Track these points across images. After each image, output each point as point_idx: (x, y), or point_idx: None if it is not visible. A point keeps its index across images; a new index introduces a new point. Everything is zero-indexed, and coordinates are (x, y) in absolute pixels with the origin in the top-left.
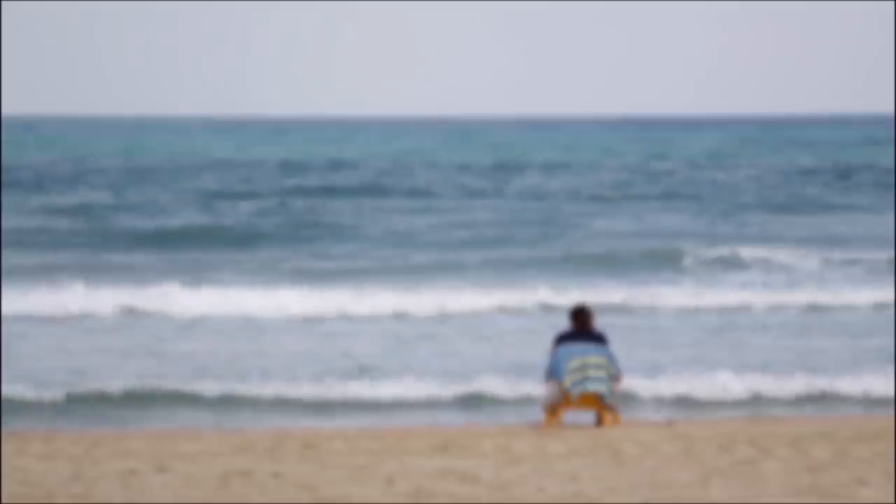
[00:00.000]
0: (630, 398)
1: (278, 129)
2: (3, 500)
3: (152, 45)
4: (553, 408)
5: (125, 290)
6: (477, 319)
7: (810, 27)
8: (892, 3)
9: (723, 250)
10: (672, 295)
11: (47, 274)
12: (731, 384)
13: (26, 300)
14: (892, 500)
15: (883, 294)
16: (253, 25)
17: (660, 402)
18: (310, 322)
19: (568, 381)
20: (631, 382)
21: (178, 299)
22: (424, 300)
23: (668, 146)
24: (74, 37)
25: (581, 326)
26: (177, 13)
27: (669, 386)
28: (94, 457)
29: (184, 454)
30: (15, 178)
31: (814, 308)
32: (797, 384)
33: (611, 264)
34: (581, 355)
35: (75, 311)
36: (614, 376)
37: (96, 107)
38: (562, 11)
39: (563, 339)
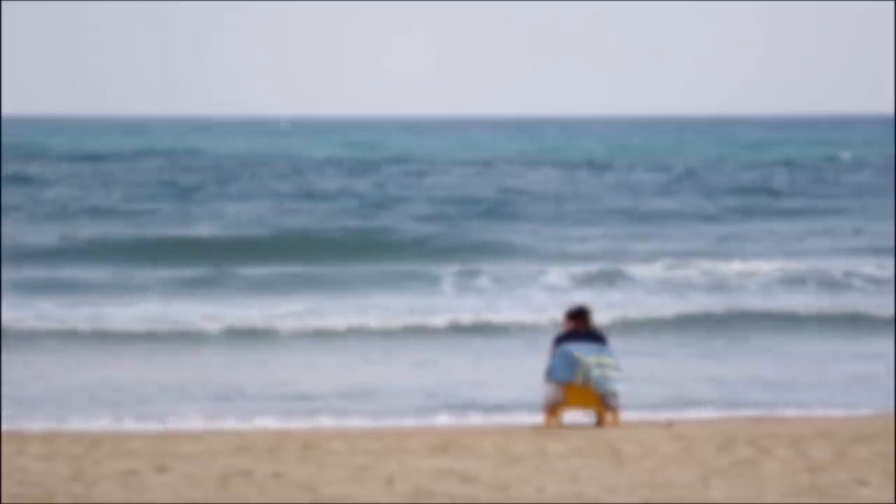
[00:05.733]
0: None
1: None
2: (3, 500)
3: (152, 45)
4: (553, 408)
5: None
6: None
7: (809, 28)
8: (892, 2)
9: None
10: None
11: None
12: None
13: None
14: (893, 501)
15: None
16: (255, 25)
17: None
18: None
19: (585, 378)
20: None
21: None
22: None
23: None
24: (74, 37)
25: (582, 326)
26: (177, 13)
27: None
28: (94, 457)
29: (184, 454)
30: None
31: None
32: None
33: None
34: (591, 354)
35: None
36: (621, 375)
37: (96, 107)
38: (562, 11)
39: (563, 339)
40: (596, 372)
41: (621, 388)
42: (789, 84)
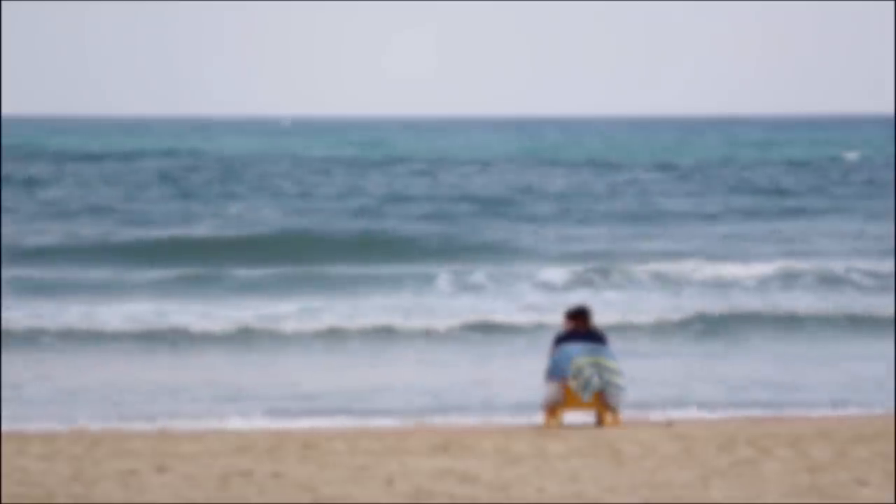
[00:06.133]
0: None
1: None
2: (3, 500)
3: (152, 45)
4: (553, 408)
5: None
6: None
7: (809, 28)
8: (893, 2)
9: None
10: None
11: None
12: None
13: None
14: (893, 501)
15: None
16: (253, 26)
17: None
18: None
19: (574, 380)
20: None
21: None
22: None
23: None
24: (74, 37)
25: (581, 326)
26: (177, 13)
27: None
28: (94, 457)
29: (184, 454)
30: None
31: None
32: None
33: None
34: (584, 355)
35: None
36: (620, 375)
37: (96, 107)
38: (563, 11)
39: (563, 339)
40: (587, 372)
41: (613, 390)
42: (789, 84)
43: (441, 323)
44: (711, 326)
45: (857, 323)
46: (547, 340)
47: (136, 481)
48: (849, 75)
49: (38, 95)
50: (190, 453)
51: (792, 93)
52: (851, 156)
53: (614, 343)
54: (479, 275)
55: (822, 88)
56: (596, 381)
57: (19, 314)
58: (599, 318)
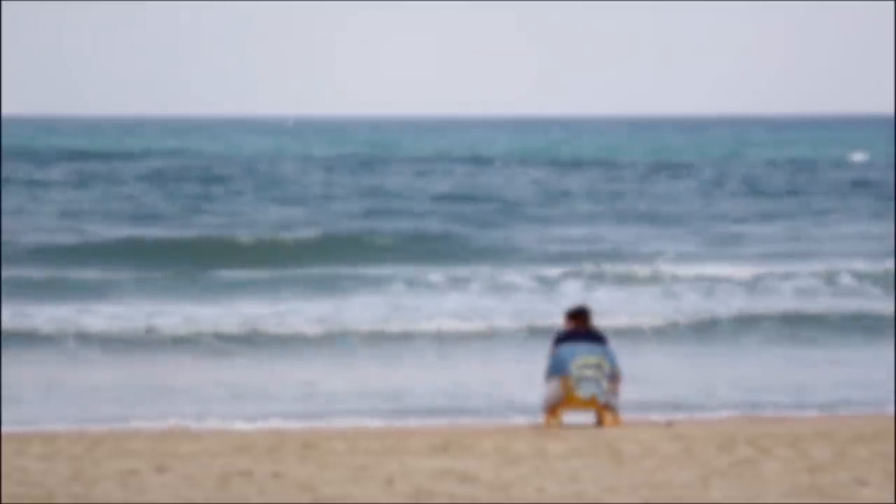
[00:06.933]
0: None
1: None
2: (3, 500)
3: (152, 45)
4: (553, 408)
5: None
6: None
7: (808, 27)
8: (892, 2)
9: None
10: None
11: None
12: None
13: None
14: (893, 501)
15: None
16: (251, 25)
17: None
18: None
19: (573, 380)
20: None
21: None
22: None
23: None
24: (74, 37)
25: (581, 326)
26: (177, 13)
27: None
28: (94, 457)
29: (184, 454)
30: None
31: None
32: None
33: None
34: (584, 354)
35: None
36: (615, 376)
37: (96, 107)
38: (564, 11)
39: (563, 338)
40: (576, 374)
41: (597, 390)
42: (791, 84)
43: (440, 323)
44: (711, 326)
45: (857, 323)
46: (546, 340)
47: (136, 481)
48: (849, 75)
49: (38, 95)
50: (190, 453)
51: (794, 93)
52: (858, 157)
53: (614, 343)
54: (477, 274)
55: (823, 88)
56: (588, 381)
57: (17, 314)
58: (599, 319)
